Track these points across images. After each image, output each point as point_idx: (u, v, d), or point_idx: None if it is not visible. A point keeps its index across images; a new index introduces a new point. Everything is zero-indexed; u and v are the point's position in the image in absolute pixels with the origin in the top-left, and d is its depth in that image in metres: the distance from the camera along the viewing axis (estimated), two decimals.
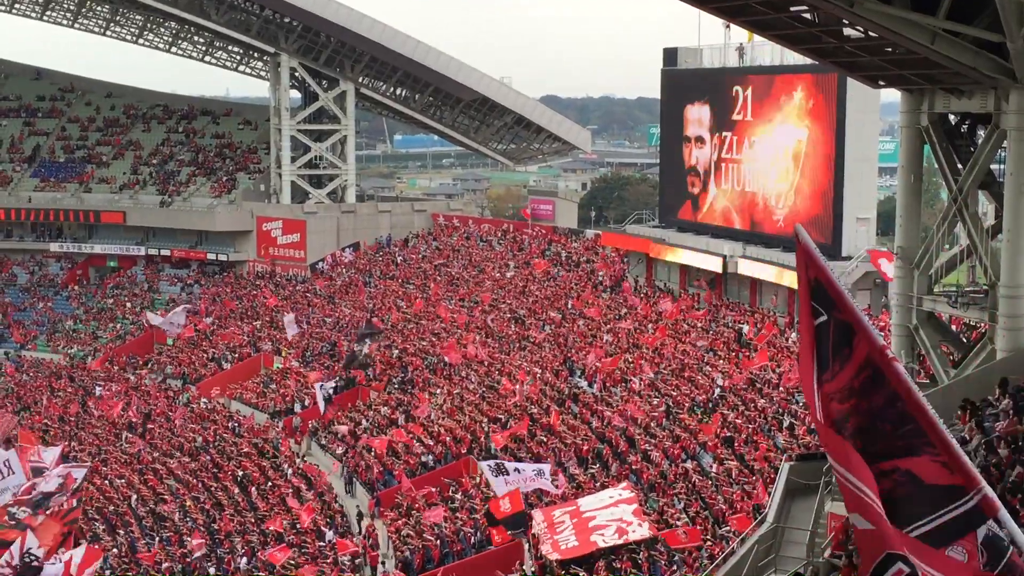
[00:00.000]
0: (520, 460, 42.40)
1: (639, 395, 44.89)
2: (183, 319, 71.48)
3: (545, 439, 44.40)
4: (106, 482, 56.89)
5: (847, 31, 22.50)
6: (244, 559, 44.47)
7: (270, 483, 50.79)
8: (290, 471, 51.45)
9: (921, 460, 7.61)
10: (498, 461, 39.96)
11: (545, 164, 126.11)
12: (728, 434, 38.71)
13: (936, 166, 26.35)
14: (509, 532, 37.99)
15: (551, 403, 47.37)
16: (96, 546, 44.31)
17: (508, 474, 38.43)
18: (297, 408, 59.12)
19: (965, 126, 25.61)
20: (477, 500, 42.31)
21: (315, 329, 68.81)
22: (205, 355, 70.88)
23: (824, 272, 7.90)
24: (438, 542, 40.50)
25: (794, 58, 46.36)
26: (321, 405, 55.63)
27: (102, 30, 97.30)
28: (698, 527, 33.47)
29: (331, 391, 56.39)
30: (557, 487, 39.48)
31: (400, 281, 73.25)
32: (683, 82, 58.75)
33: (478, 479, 43.97)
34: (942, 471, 7.58)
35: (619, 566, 32.81)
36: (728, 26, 52.53)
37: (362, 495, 48.60)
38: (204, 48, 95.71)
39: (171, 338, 73.74)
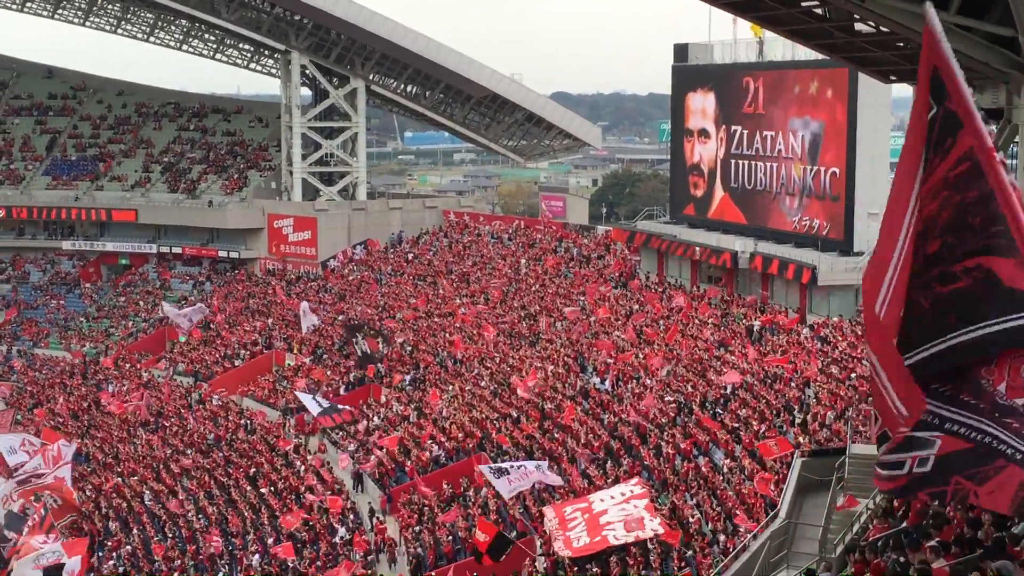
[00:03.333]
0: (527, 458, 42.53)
1: (651, 391, 44.86)
2: (198, 318, 71.80)
3: (557, 435, 44.41)
4: (119, 479, 57.06)
5: (858, 26, 22.49)
6: (257, 556, 44.58)
7: (282, 480, 50.85)
8: (302, 468, 51.53)
9: (1004, 261, 7.69)
10: (498, 465, 39.66)
11: (556, 160, 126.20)
12: (735, 426, 38.73)
13: None
14: (500, 556, 37.10)
15: (563, 399, 47.36)
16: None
17: (509, 473, 38.22)
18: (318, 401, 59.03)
19: None
20: (490, 497, 42.32)
21: (326, 327, 68.86)
22: (217, 352, 71.03)
23: (945, 60, 7.85)
24: (450, 539, 40.55)
25: (805, 53, 46.25)
26: (314, 409, 55.07)
27: (113, 28, 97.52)
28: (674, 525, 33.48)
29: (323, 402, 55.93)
30: (563, 479, 39.48)
31: (412, 278, 73.31)
32: (693, 77, 58.69)
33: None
34: (1021, 276, 7.71)
35: (631, 562, 32.81)
36: (735, 21, 52.60)
37: (373, 491, 48.67)
38: (215, 46, 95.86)
39: (183, 335, 74.01)
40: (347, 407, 55.10)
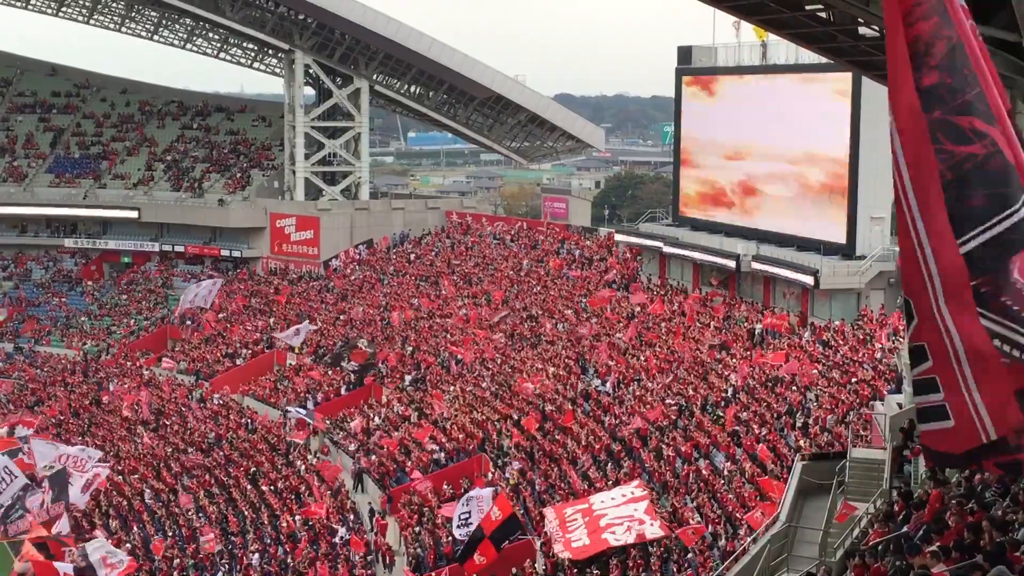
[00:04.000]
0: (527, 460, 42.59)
1: (652, 394, 44.85)
2: (211, 299, 73.63)
3: (558, 437, 44.40)
4: (119, 477, 57.08)
5: (862, 30, 22.45)
6: (256, 555, 44.56)
7: (283, 479, 50.86)
8: (303, 467, 51.53)
9: (994, 131, 6.56)
10: (457, 525, 38.91)
11: (559, 162, 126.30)
12: (735, 428, 38.70)
13: None
14: (501, 545, 37.06)
15: (564, 401, 47.35)
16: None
17: (470, 517, 37.79)
18: (310, 404, 59.18)
19: None
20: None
21: (327, 327, 68.87)
22: (219, 351, 71.04)
23: None
24: (450, 539, 40.51)
25: (809, 57, 46.28)
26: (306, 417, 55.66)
27: (117, 26, 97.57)
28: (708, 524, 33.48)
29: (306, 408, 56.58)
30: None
31: (414, 279, 73.30)
32: (697, 80, 58.66)
33: (490, 476, 43.99)
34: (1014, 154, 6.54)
35: (631, 564, 32.79)
36: (738, 25, 52.61)
37: (373, 492, 48.65)
38: (219, 45, 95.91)
39: (185, 332, 74.52)
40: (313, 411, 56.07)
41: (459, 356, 57.16)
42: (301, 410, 56.26)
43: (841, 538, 22.89)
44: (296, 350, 66.98)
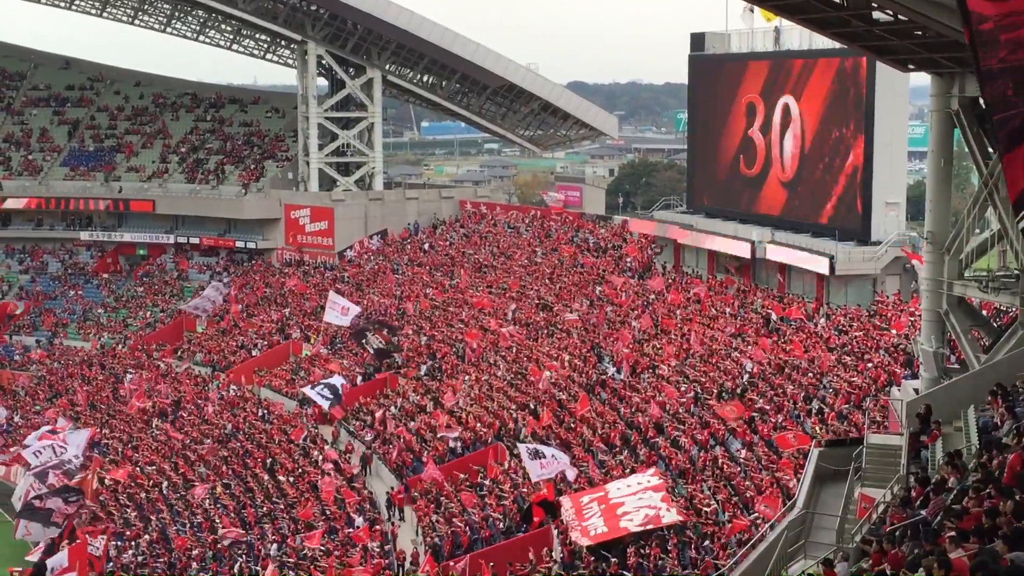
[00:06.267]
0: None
1: (667, 381, 44.80)
2: (219, 296, 73.34)
3: (573, 426, 44.39)
4: (137, 469, 57.32)
5: (876, 14, 22.38)
6: (274, 545, 44.67)
7: (300, 469, 50.99)
8: (320, 457, 51.64)
9: None
10: (536, 446, 40.29)
11: (572, 150, 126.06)
12: (752, 415, 38.66)
13: (966, 150, 26.21)
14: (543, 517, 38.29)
15: (579, 389, 47.34)
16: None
17: (544, 457, 38.96)
18: (327, 394, 59.25)
19: None
20: (506, 486, 42.39)
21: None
22: (234, 342, 71.22)
23: None
24: (467, 528, 40.58)
25: (823, 42, 46.03)
26: (324, 404, 56.14)
27: (130, 19, 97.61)
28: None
29: (337, 388, 56.84)
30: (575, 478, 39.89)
31: (428, 268, 73.31)
32: (710, 67, 58.49)
33: (506, 465, 44.02)
34: None
35: (648, 552, 32.80)
36: (752, 10, 52.35)
37: (388, 478, 48.73)
38: (231, 36, 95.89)
39: (201, 323, 74.74)
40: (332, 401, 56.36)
41: (472, 344, 57.16)
42: (327, 394, 56.49)
43: (859, 524, 22.86)
44: (313, 340, 67.06)
